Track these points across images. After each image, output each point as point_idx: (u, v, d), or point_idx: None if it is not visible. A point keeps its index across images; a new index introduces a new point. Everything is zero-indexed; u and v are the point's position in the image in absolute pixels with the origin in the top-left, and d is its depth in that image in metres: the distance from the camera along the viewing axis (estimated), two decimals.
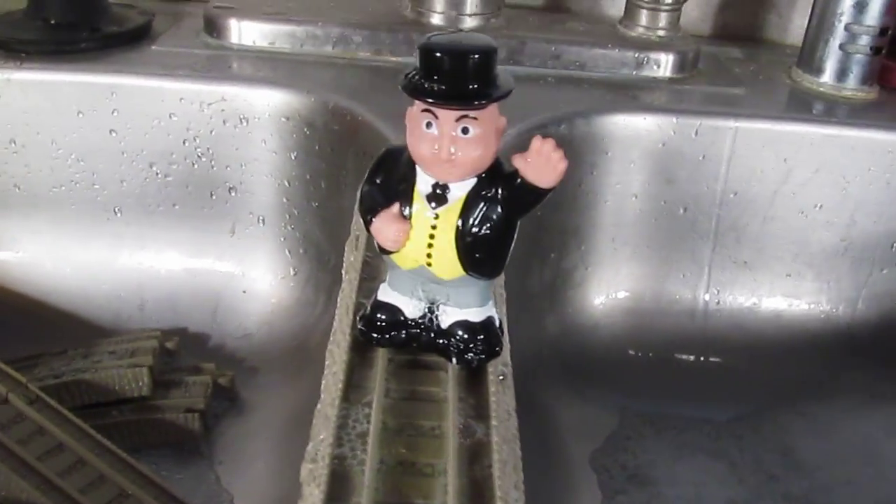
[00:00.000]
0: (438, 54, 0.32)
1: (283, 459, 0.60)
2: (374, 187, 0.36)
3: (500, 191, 0.35)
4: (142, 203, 0.73)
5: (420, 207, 0.35)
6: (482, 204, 0.35)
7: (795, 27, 0.90)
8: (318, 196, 0.70)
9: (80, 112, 0.70)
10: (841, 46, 0.75)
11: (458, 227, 0.35)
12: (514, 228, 0.35)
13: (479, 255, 0.35)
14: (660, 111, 0.70)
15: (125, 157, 0.71)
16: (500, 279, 0.45)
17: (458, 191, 0.35)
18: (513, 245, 0.36)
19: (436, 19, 0.76)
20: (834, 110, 0.74)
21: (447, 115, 0.33)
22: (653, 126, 0.70)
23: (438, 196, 0.35)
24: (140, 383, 0.62)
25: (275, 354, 0.70)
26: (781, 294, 0.75)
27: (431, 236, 0.35)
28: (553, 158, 0.32)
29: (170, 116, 0.70)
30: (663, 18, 0.77)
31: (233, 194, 0.72)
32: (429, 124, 0.33)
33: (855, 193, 0.72)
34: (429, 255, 0.35)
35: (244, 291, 0.74)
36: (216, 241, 0.74)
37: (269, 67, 0.73)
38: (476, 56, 0.32)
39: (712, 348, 0.74)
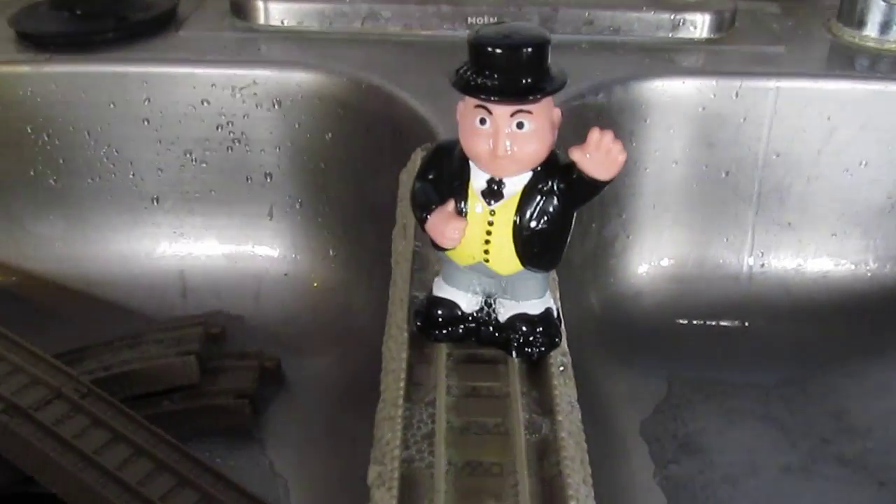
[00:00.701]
0: (490, 48, 0.32)
1: (335, 442, 0.61)
2: (426, 184, 0.36)
3: (556, 184, 0.34)
4: (179, 191, 0.73)
5: (476, 203, 0.35)
6: (539, 198, 0.34)
7: None
8: (355, 176, 0.70)
9: (112, 103, 0.69)
10: None
11: (515, 222, 0.34)
12: (572, 220, 0.35)
13: (537, 249, 0.35)
14: (698, 74, 0.69)
15: (160, 146, 0.71)
16: None
17: (514, 185, 0.34)
18: (570, 236, 0.35)
19: None
20: (877, 64, 0.72)
21: (502, 111, 0.32)
22: (692, 90, 0.68)
23: (494, 192, 0.34)
24: (189, 371, 0.62)
25: (319, 336, 0.70)
26: (827, 254, 0.74)
27: (488, 232, 0.35)
28: (613, 151, 0.32)
29: (203, 103, 0.69)
30: None
31: (269, 178, 0.72)
32: (482, 120, 0.32)
33: None
34: (486, 252, 0.35)
35: (285, 274, 0.74)
36: (255, 224, 0.74)
37: (299, 48, 0.72)
38: (529, 49, 0.32)
39: (758, 312, 0.73)
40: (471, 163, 0.34)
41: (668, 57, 0.71)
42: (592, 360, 0.67)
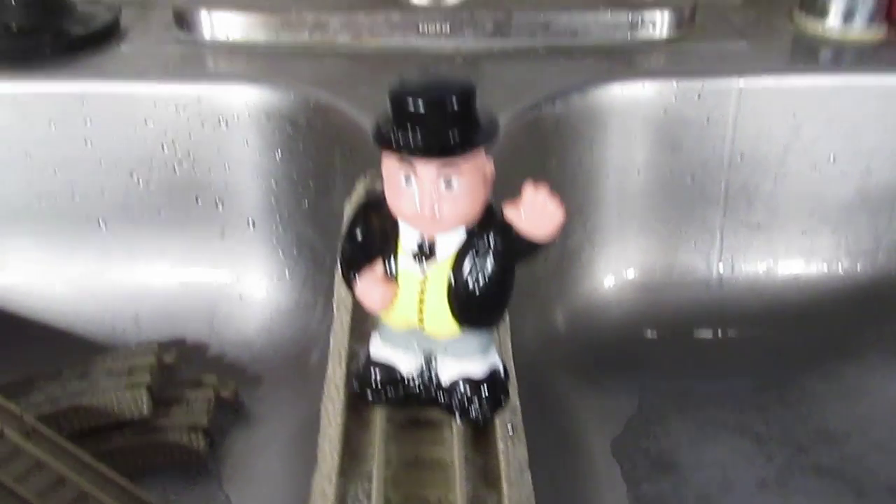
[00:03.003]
0: (411, 101, 0.29)
1: (294, 473, 0.58)
2: (354, 244, 0.33)
3: (493, 241, 0.31)
4: (126, 213, 0.70)
5: (407, 265, 0.32)
6: (475, 257, 0.31)
7: None
8: (308, 195, 0.67)
9: (51, 123, 0.66)
10: None
11: (449, 283, 0.32)
12: (512, 278, 0.32)
13: (474, 312, 0.32)
14: (659, 76, 0.66)
15: (103, 167, 0.68)
16: None
17: (447, 245, 0.31)
18: (511, 294, 0.33)
19: None
20: (841, 56, 0.70)
21: (427, 169, 0.29)
22: (652, 93, 0.66)
23: (426, 252, 0.31)
24: (140, 404, 0.60)
25: (277, 361, 0.68)
26: (798, 253, 0.72)
27: (422, 295, 0.32)
28: (548, 208, 0.29)
29: (145, 122, 0.66)
30: None
31: (219, 198, 0.69)
32: (408, 178, 0.30)
33: (869, 142, 0.69)
34: (420, 316, 0.32)
35: (240, 297, 0.71)
36: (207, 246, 0.71)
37: (245, 61, 0.69)
38: (454, 99, 0.29)
39: (730, 318, 0.71)
40: (400, 220, 0.32)
41: (627, 59, 0.69)
42: (559, 379, 0.65)
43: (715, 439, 0.63)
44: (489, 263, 0.31)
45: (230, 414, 0.63)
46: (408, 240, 0.32)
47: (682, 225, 0.71)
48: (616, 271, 0.72)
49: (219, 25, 0.72)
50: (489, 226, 0.31)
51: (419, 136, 0.29)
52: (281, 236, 0.70)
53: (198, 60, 0.70)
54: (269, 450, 0.61)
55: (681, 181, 0.69)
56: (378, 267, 0.32)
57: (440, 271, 0.32)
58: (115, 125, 0.67)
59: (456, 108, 0.29)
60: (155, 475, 0.58)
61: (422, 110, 0.29)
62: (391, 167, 0.30)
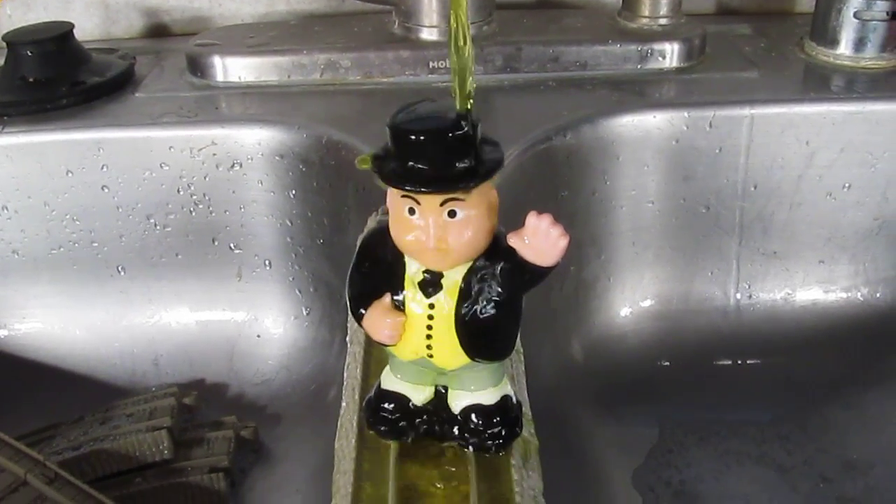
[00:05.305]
0: (412, 136, 0.29)
1: None
2: (361, 276, 0.33)
3: (499, 269, 0.31)
4: (144, 257, 0.70)
5: (413, 295, 0.32)
6: (481, 286, 0.31)
7: None
8: (323, 233, 0.68)
9: (69, 171, 0.67)
10: (856, 14, 0.70)
11: (456, 313, 0.32)
12: (520, 306, 0.32)
13: (483, 341, 0.32)
14: (669, 106, 0.67)
15: (121, 213, 0.69)
16: None
17: (454, 274, 0.31)
18: (520, 323, 0.33)
19: (425, 34, 0.73)
20: (854, 84, 0.70)
21: (430, 201, 0.29)
22: (663, 123, 0.66)
23: (432, 282, 0.31)
24: (161, 446, 0.60)
25: (295, 399, 0.68)
26: (816, 281, 0.72)
27: (429, 326, 0.32)
28: (552, 235, 0.29)
29: (161, 166, 0.67)
30: (664, 5, 0.73)
31: (235, 238, 0.70)
32: (411, 210, 0.30)
33: (884, 169, 0.68)
34: (428, 347, 0.32)
35: (258, 336, 0.72)
36: (224, 287, 0.72)
37: (258, 103, 0.70)
38: (457, 132, 0.29)
39: (749, 346, 0.70)
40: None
41: (637, 90, 0.69)
42: (579, 410, 0.65)
43: (737, 470, 0.62)
44: (496, 292, 0.31)
45: (250, 454, 0.63)
46: (414, 270, 0.32)
47: (698, 254, 0.70)
48: (632, 301, 0.71)
49: (231, 69, 0.73)
50: (495, 254, 0.31)
51: (422, 170, 0.29)
52: (297, 274, 0.70)
53: (211, 104, 0.70)
54: (290, 489, 0.61)
55: (695, 210, 0.69)
56: (385, 299, 0.32)
57: (447, 301, 0.32)
58: (131, 171, 0.67)
59: (458, 140, 0.29)
60: None
61: (423, 144, 0.29)
62: (394, 199, 0.30)
